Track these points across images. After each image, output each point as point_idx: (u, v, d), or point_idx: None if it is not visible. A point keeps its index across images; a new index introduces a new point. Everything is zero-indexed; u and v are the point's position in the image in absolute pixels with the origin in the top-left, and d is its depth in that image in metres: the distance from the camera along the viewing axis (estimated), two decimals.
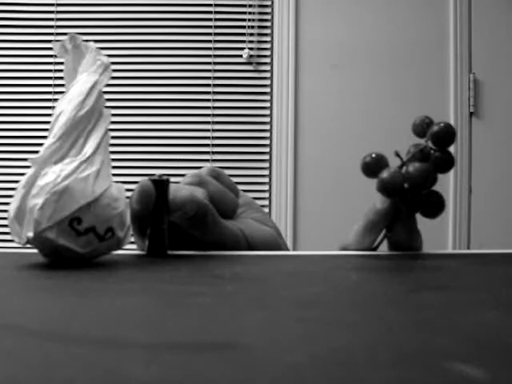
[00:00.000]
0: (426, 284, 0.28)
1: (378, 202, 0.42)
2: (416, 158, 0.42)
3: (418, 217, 0.43)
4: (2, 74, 2.09)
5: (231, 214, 0.42)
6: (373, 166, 0.42)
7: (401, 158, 0.43)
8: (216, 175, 0.42)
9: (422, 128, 0.42)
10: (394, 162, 0.43)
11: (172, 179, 0.38)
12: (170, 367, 0.13)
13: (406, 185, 0.41)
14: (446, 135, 0.41)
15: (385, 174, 0.41)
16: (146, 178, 0.37)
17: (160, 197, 0.37)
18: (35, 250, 0.32)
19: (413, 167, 0.41)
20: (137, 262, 0.35)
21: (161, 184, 0.37)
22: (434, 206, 0.43)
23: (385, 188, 0.41)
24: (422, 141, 0.43)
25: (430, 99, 2.04)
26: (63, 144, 0.32)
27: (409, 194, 0.41)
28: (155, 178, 0.37)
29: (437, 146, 0.42)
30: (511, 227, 1.99)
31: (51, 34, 2.09)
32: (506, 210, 2.01)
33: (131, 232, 0.34)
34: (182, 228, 0.39)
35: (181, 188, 0.38)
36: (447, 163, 0.42)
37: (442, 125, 0.41)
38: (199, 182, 0.40)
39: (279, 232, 0.46)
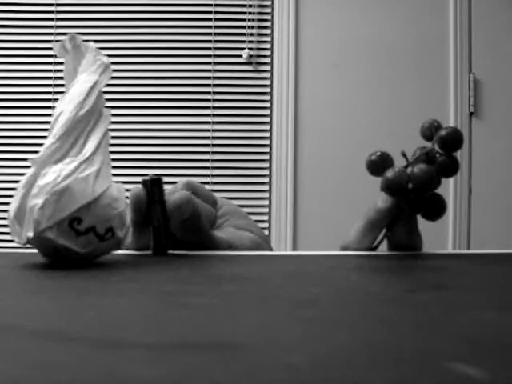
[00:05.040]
0: (426, 284, 0.28)
1: (379, 201, 0.42)
2: (421, 160, 0.42)
3: (419, 217, 0.43)
4: (2, 74, 2.09)
5: (208, 225, 0.42)
6: (378, 165, 0.42)
7: (407, 159, 0.43)
8: (192, 188, 0.42)
9: (430, 131, 0.42)
10: (398, 162, 0.43)
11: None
12: (170, 367, 0.13)
13: (410, 185, 0.41)
14: (453, 140, 0.42)
15: (390, 173, 0.41)
16: (137, 185, 0.38)
17: (151, 196, 0.37)
18: (35, 250, 0.32)
19: (418, 168, 0.41)
20: (137, 262, 0.35)
21: (149, 183, 0.37)
22: (436, 208, 0.43)
23: (389, 187, 0.41)
24: (429, 144, 0.43)
25: (430, 99, 2.04)
26: (63, 144, 0.32)
27: (412, 194, 0.41)
28: (146, 178, 0.38)
29: (443, 151, 0.42)
30: (511, 227, 1.99)
31: (51, 34, 2.09)
32: (505, 210, 2.01)
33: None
34: (178, 237, 0.39)
35: (174, 191, 0.39)
36: (452, 168, 0.42)
37: (449, 130, 0.42)
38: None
39: (265, 237, 0.46)
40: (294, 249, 2.01)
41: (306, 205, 2.04)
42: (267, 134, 2.07)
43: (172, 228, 0.38)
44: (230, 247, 0.41)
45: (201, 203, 0.41)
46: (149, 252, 0.39)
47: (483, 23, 2.05)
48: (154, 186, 0.37)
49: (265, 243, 0.45)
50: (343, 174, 2.02)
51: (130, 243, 0.40)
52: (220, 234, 0.42)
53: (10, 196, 0.32)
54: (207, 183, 2.05)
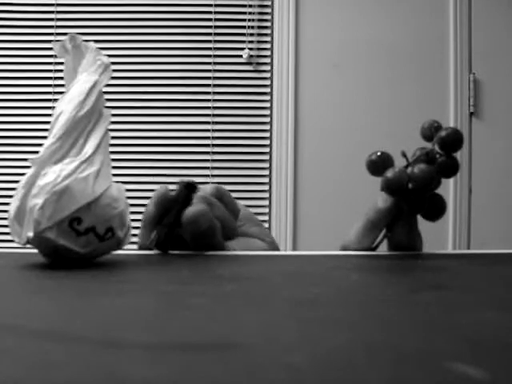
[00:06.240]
0: (426, 284, 0.28)
1: (379, 201, 0.42)
2: (421, 161, 0.42)
3: (419, 217, 0.43)
4: (2, 74, 2.09)
5: (228, 237, 0.43)
6: (378, 165, 0.43)
7: (407, 159, 0.43)
8: (220, 196, 0.42)
9: (430, 132, 0.42)
10: (398, 162, 0.43)
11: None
12: (170, 367, 0.13)
13: (410, 185, 0.41)
14: (453, 141, 0.42)
15: (390, 173, 0.41)
16: (164, 184, 0.40)
17: (177, 197, 0.38)
18: (35, 250, 0.32)
19: (418, 169, 0.41)
20: (137, 262, 0.35)
21: (183, 185, 0.38)
22: (436, 208, 0.43)
23: (389, 187, 0.41)
24: (429, 144, 0.43)
25: (430, 99, 2.04)
26: (63, 144, 0.32)
27: (412, 194, 0.41)
28: (183, 180, 0.39)
29: (443, 151, 0.42)
30: (511, 227, 1.99)
31: (51, 34, 2.09)
32: (506, 210, 2.01)
33: (131, 232, 0.34)
34: (188, 244, 0.40)
35: (196, 202, 0.39)
36: (452, 168, 0.42)
37: (449, 130, 0.42)
38: (206, 204, 0.41)
39: (276, 245, 0.46)
40: (294, 249, 2.01)
41: (306, 205, 2.04)
42: (267, 134, 2.07)
43: (185, 236, 0.39)
44: None
45: (222, 213, 0.41)
46: (149, 252, 0.39)
47: (483, 23, 2.05)
48: (186, 188, 0.38)
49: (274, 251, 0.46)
50: (343, 174, 2.02)
51: (143, 239, 0.40)
52: (232, 244, 0.42)
53: (10, 196, 0.32)
54: (207, 183, 2.05)
